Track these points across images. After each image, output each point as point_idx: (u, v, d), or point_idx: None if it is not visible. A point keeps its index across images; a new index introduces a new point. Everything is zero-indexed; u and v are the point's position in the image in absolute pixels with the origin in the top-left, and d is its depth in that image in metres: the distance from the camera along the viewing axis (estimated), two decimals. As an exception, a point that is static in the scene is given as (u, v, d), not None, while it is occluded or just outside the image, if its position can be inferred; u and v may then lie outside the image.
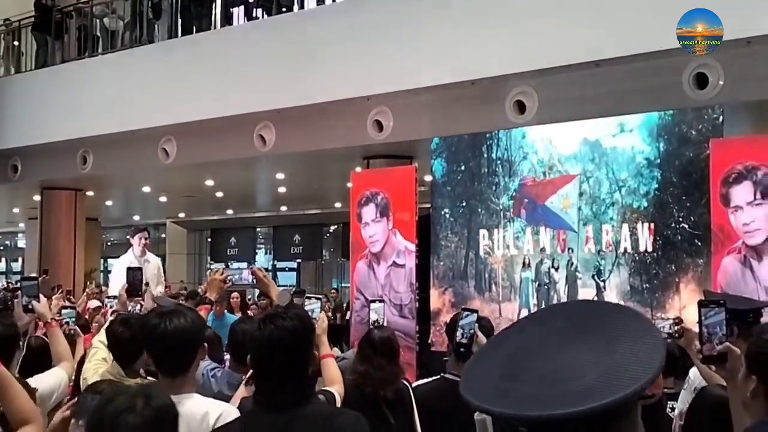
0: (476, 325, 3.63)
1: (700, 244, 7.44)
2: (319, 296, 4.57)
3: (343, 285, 19.86)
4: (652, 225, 7.86)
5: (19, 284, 4.02)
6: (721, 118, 7.57)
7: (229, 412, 2.83)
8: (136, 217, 23.53)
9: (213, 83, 10.87)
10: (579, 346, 1.09)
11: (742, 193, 6.85)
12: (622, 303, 7.77)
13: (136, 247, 8.62)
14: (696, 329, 2.78)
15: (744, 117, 8.44)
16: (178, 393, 2.83)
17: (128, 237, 9.00)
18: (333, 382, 3.45)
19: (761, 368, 2.26)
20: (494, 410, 1.06)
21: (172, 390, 2.82)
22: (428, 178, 9.94)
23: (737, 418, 2.56)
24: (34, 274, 4.22)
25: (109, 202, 18.93)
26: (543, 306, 8.47)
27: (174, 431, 2.09)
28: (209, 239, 24.24)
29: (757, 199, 6.78)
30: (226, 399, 3.04)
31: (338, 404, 3.24)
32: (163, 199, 18.51)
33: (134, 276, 4.95)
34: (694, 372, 3.70)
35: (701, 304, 2.69)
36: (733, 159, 6.94)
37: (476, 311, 3.78)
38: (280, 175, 14.79)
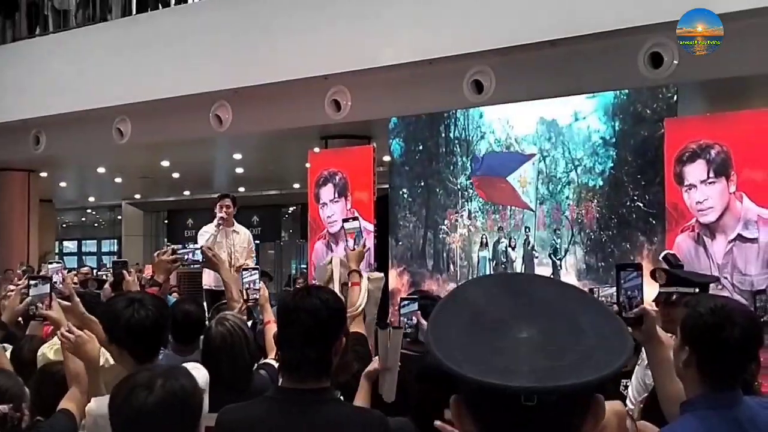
0: (417, 312, 3.64)
1: (654, 222, 7.53)
2: (258, 267, 4.66)
3: (302, 266, 19.81)
4: (607, 204, 7.94)
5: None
6: (675, 97, 7.65)
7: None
8: (91, 199, 23.27)
9: (168, 62, 10.72)
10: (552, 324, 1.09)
11: (696, 171, 6.94)
12: (578, 283, 7.85)
13: (218, 215, 7.78)
14: (651, 307, 2.80)
15: (698, 96, 8.53)
16: None
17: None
18: (272, 348, 3.60)
19: (693, 340, 2.29)
20: (505, 385, 1.02)
21: None
22: (386, 158, 9.92)
23: (658, 380, 2.59)
24: (44, 272, 3.73)
25: (63, 184, 18.65)
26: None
27: (191, 415, 2.03)
28: (166, 221, 24.00)
29: (710, 178, 6.88)
30: None
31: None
32: (118, 180, 18.29)
33: (118, 272, 4.84)
34: None
35: (620, 267, 2.70)
36: (687, 138, 7.02)
37: (416, 299, 3.76)
38: (237, 156, 14.67)
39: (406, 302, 3.69)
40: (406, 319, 3.63)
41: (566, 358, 1.05)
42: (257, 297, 4.27)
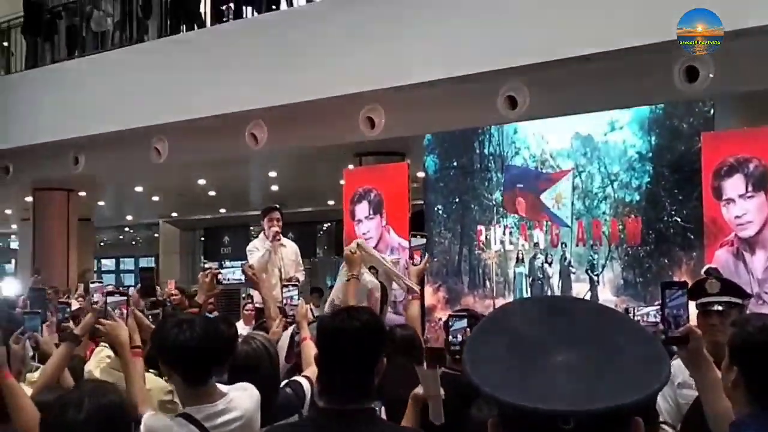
0: (467, 329, 3.63)
1: (692, 237, 7.46)
2: (297, 283, 4.68)
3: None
4: (644, 219, 7.88)
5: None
6: (712, 111, 7.59)
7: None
8: (129, 217, 23.51)
9: (204, 82, 10.84)
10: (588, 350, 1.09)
11: (734, 185, 6.88)
12: (615, 299, 7.79)
13: (267, 230, 7.57)
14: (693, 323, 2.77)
15: (735, 109, 8.46)
16: (216, 399, 2.87)
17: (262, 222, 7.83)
18: (309, 363, 3.63)
19: (742, 359, 2.27)
20: (537, 408, 1.03)
21: (207, 398, 2.85)
22: (421, 174, 9.94)
23: (705, 399, 2.57)
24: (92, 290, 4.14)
25: (101, 203, 18.88)
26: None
27: (120, 429, 2.13)
28: (202, 238, 24.18)
29: (749, 192, 6.81)
30: None
31: (307, 390, 3.43)
32: (155, 198, 18.47)
33: (146, 277, 4.90)
34: (676, 364, 3.04)
35: (664, 286, 2.69)
36: (724, 152, 6.96)
37: (465, 316, 3.75)
38: (272, 173, 14.77)
39: (455, 319, 3.69)
40: (452, 337, 3.62)
41: (603, 381, 1.05)
42: (294, 313, 4.26)
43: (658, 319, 4.01)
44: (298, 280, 7.93)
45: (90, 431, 2.04)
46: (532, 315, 1.16)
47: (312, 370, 3.44)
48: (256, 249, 7.56)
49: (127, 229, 26.36)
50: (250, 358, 3.35)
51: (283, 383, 3.54)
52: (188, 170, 13.66)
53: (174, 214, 22.23)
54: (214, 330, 2.96)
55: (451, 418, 3.07)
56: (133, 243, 27.15)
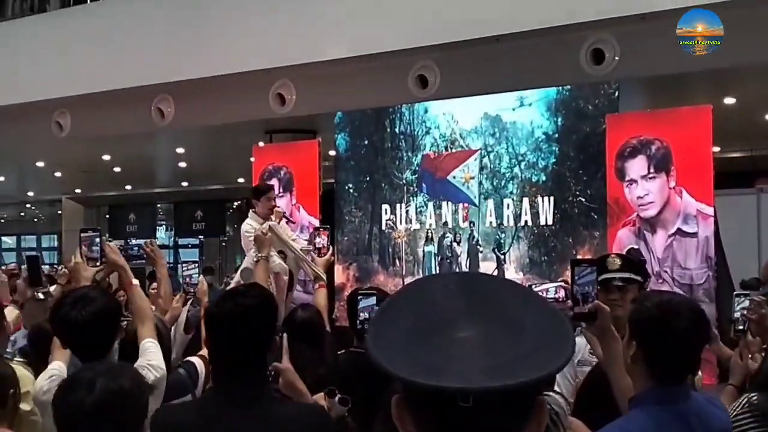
0: (376, 307, 3.60)
1: (596, 217, 7.64)
2: (197, 260, 4.70)
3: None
4: (551, 198, 8.02)
5: None
6: (617, 93, 7.76)
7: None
8: (31, 193, 22.79)
9: (109, 54, 10.52)
10: (491, 326, 1.05)
11: (637, 166, 7.06)
12: (521, 278, 7.92)
13: (265, 209, 6.79)
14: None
15: (639, 92, 8.66)
16: None
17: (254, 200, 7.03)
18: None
19: (641, 334, 2.32)
20: (427, 384, 0.99)
21: None
22: (332, 152, 9.89)
23: (612, 375, 2.60)
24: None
25: (1, 178, 18.26)
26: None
27: (131, 417, 2.00)
28: (107, 216, 23.64)
29: (651, 173, 7.00)
30: None
31: (200, 371, 3.37)
32: (58, 174, 17.94)
33: (32, 265, 4.72)
34: (577, 342, 3.27)
35: (574, 263, 2.73)
36: (628, 133, 7.14)
37: (374, 294, 3.72)
38: (180, 150, 14.48)
39: (363, 296, 3.66)
40: (360, 315, 3.59)
41: (504, 359, 1.01)
42: (194, 291, 4.31)
43: (557, 295, 4.10)
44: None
45: (98, 416, 1.90)
46: (440, 291, 1.12)
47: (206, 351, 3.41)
48: (252, 228, 7.14)
49: (28, 205, 25.55)
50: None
51: (177, 364, 3.49)
52: (92, 145, 13.28)
53: (78, 191, 21.63)
54: (112, 309, 2.87)
55: (363, 398, 3.04)
56: (35, 220, 26.38)
